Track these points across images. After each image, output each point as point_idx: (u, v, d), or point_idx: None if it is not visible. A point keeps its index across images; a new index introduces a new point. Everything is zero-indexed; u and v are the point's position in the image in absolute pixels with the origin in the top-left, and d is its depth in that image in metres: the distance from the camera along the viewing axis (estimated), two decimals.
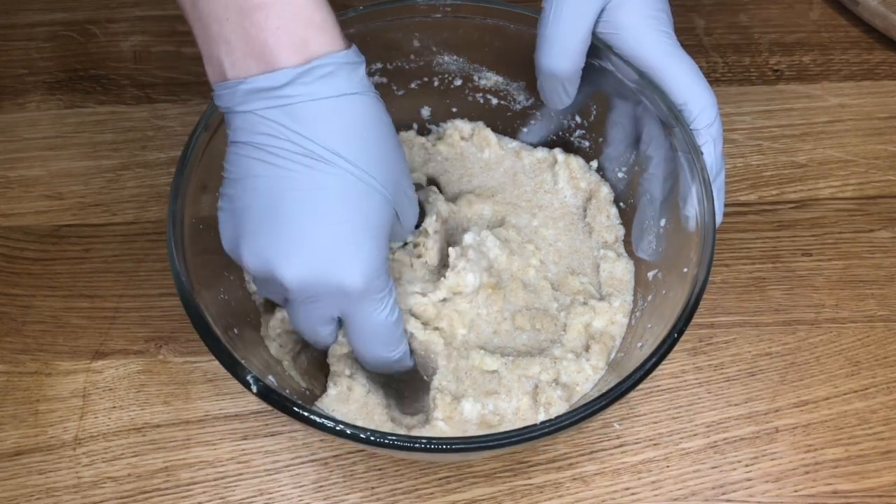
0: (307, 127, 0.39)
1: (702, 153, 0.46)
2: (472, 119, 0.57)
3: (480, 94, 0.57)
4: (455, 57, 0.55)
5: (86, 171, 0.62)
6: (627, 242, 0.53)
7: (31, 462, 0.50)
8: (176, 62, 0.68)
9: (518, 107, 0.56)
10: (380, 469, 0.50)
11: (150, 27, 0.70)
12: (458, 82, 0.56)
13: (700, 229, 0.44)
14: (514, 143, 0.57)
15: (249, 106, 0.40)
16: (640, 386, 0.52)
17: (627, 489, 0.49)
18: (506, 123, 0.57)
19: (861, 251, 0.58)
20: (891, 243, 0.59)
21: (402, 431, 0.45)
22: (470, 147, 0.57)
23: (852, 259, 0.58)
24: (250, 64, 0.39)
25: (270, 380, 0.43)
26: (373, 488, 0.49)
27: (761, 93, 0.66)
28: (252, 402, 0.52)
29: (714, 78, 0.67)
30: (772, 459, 0.50)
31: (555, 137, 0.56)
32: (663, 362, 0.53)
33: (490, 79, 0.56)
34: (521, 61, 0.52)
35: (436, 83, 0.56)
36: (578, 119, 0.54)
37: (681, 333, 0.42)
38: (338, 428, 0.38)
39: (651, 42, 0.48)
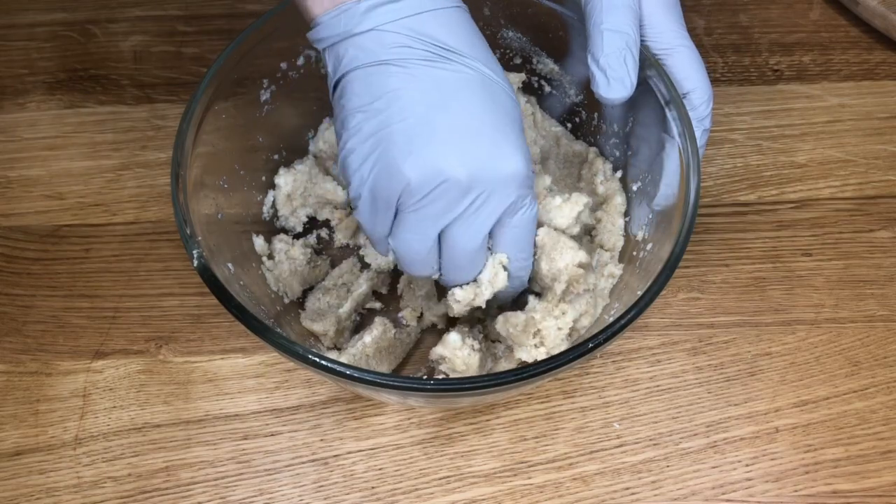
0: (433, 32, 0.40)
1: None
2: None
3: (536, 78, 0.57)
4: (519, 35, 0.55)
5: (86, 171, 0.62)
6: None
7: (31, 462, 0.50)
8: (176, 62, 0.68)
9: (568, 101, 0.57)
10: (380, 469, 0.50)
11: (150, 27, 0.70)
12: (518, 61, 0.56)
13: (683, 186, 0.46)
14: (558, 129, 0.57)
15: (372, 22, 0.40)
16: (640, 386, 0.53)
17: (627, 489, 0.49)
18: (553, 114, 0.58)
19: (861, 251, 0.58)
20: (891, 243, 0.59)
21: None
22: None
23: (852, 259, 0.58)
24: None
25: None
26: (373, 488, 0.49)
27: (761, 93, 0.66)
28: (252, 402, 0.52)
29: (714, 78, 0.67)
30: (772, 459, 0.50)
31: (591, 140, 0.56)
32: (663, 362, 0.54)
33: (547, 65, 0.56)
34: (580, 57, 0.52)
35: (496, 56, 0.56)
36: (615, 127, 0.54)
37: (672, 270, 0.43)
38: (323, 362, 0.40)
39: (665, 29, 0.48)
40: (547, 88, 0.57)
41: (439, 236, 0.43)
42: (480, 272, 0.46)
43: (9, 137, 0.64)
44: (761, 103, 0.66)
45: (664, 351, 0.54)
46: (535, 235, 0.47)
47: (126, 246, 0.58)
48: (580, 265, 0.48)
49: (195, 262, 0.43)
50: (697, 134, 0.48)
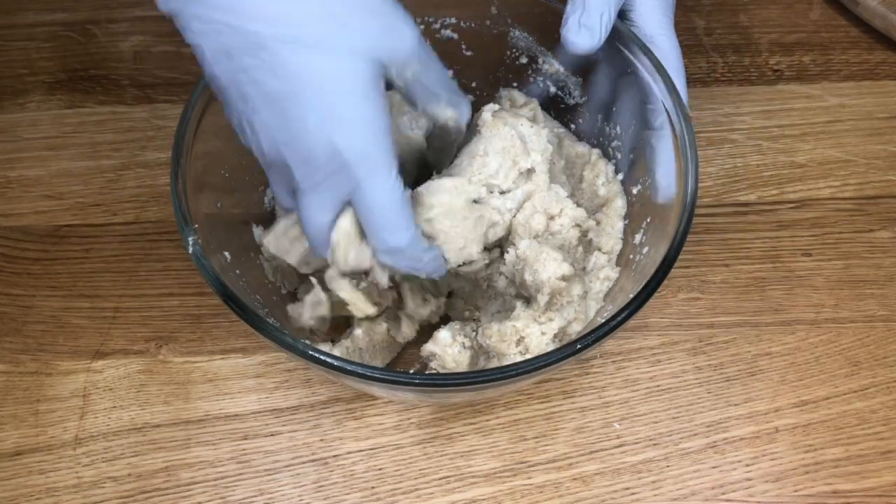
0: (247, 12, 0.37)
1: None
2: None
3: (541, 78, 0.57)
4: (526, 35, 0.55)
5: (86, 171, 0.62)
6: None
7: (31, 462, 0.50)
8: (176, 62, 0.68)
9: (572, 101, 0.57)
10: (380, 469, 0.50)
11: (150, 27, 0.70)
12: (524, 60, 0.56)
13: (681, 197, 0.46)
14: (561, 130, 0.57)
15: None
16: (640, 386, 0.53)
17: (627, 489, 0.49)
18: (557, 115, 0.58)
19: (861, 251, 0.58)
20: (891, 243, 0.59)
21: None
22: None
23: (852, 259, 0.58)
24: None
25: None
26: (373, 488, 0.49)
27: (761, 93, 0.66)
28: (252, 402, 0.52)
29: (714, 78, 0.67)
30: (772, 459, 0.50)
31: (593, 142, 0.56)
32: (664, 362, 0.54)
33: (553, 65, 0.56)
34: (584, 58, 0.52)
35: (505, 55, 0.56)
36: (618, 129, 0.54)
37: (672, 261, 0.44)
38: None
39: (650, 19, 0.49)
40: (552, 89, 0.57)
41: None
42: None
43: (9, 137, 0.64)
44: (761, 103, 0.66)
45: (664, 351, 0.54)
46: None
47: (126, 246, 0.58)
48: (563, 277, 0.47)
49: (190, 249, 0.43)
50: None
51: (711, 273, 0.57)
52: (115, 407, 0.52)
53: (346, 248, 0.42)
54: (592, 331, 0.42)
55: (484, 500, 0.49)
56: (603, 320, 0.42)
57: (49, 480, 0.50)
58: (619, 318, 0.42)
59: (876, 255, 0.58)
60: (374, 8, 0.40)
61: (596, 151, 0.56)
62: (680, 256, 0.44)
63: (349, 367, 0.40)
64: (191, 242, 0.44)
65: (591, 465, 0.50)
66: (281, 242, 0.47)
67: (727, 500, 0.49)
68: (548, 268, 0.47)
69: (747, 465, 0.50)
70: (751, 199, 0.61)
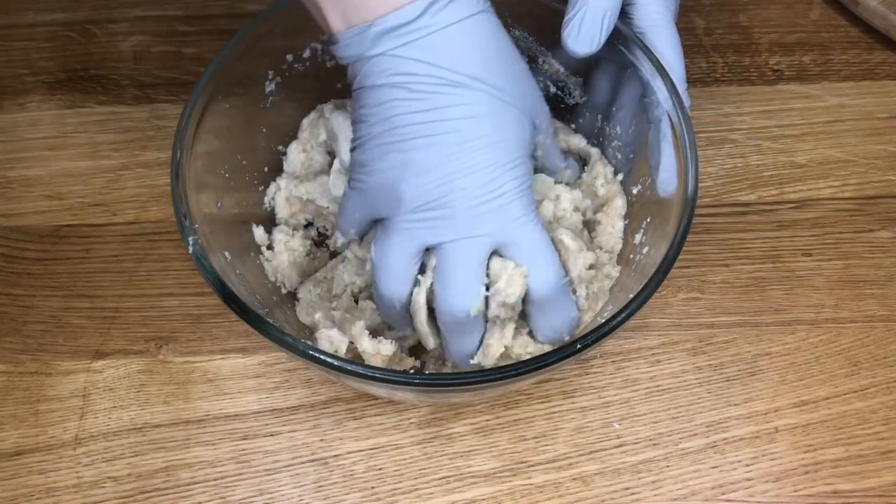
0: (443, 56, 0.40)
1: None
2: None
3: (541, 78, 0.56)
4: (526, 34, 0.55)
5: (86, 171, 0.62)
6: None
7: (31, 462, 0.50)
8: (176, 62, 0.68)
9: (572, 101, 0.56)
10: (380, 469, 0.50)
11: (150, 27, 0.70)
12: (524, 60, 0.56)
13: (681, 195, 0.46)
14: (558, 124, 0.57)
15: (382, 48, 0.40)
16: (640, 386, 0.53)
17: (627, 489, 0.49)
18: (557, 115, 0.57)
19: (861, 251, 0.58)
20: (891, 243, 0.59)
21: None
22: None
23: (852, 259, 0.58)
24: (379, 4, 0.40)
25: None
26: (373, 488, 0.49)
27: (761, 93, 0.66)
28: (252, 402, 0.52)
29: (714, 78, 0.67)
30: (772, 459, 0.50)
31: (593, 142, 0.56)
32: (664, 362, 0.54)
33: (553, 65, 0.56)
34: (586, 59, 0.51)
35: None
36: (618, 129, 0.54)
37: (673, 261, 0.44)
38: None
39: (648, 9, 0.49)
40: (552, 89, 0.57)
41: (430, 292, 0.45)
42: (482, 335, 0.46)
43: (9, 137, 0.64)
44: (761, 103, 0.66)
45: (664, 351, 0.54)
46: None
47: (126, 246, 0.58)
48: (590, 267, 0.48)
49: (190, 248, 0.43)
50: None
51: (711, 273, 0.57)
52: (115, 407, 0.52)
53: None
54: (592, 331, 0.42)
55: (484, 500, 0.49)
56: (603, 320, 0.42)
57: (49, 480, 0.50)
58: (618, 319, 0.42)
59: (876, 255, 0.58)
60: (532, 83, 0.45)
61: (595, 150, 0.56)
62: (680, 256, 0.44)
63: (349, 367, 0.40)
64: (191, 242, 0.44)
65: (591, 465, 0.50)
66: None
67: (727, 500, 0.49)
68: (577, 263, 0.48)
69: (747, 465, 0.50)
70: (751, 199, 0.61)
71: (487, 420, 0.52)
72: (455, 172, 0.41)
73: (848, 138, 0.64)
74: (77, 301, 0.56)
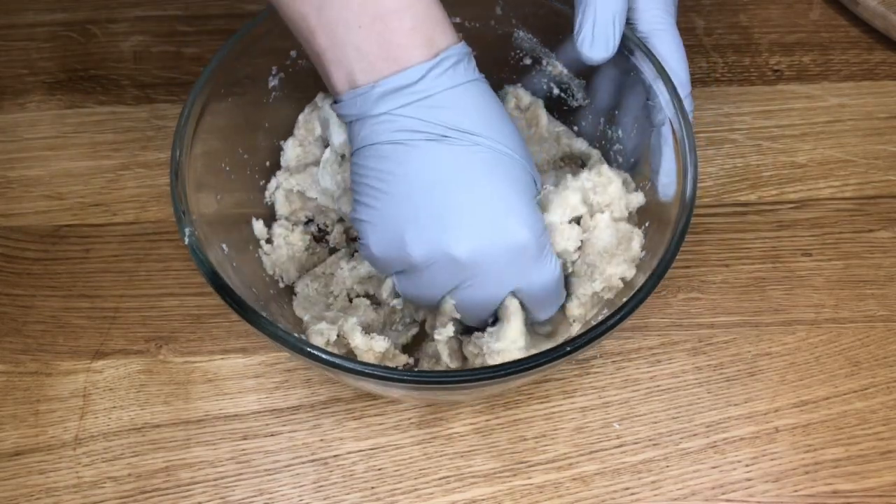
0: (444, 114, 0.41)
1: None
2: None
3: (545, 80, 0.57)
4: (531, 35, 0.55)
5: (86, 171, 0.62)
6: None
7: (31, 462, 0.50)
8: (176, 62, 0.68)
9: (575, 104, 0.56)
10: (380, 469, 0.50)
11: (150, 27, 0.70)
12: (528, 61, 0.56)
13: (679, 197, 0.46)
14: (560, 128, 0.57)
15: (385, 107, 0.41)
16: (640, 386, 0.53)
17: (627, 489, 0.49)
18: (560, 117, 0.58)
19: (861, 251, 0.58)
20: (891, 243, 0.59)
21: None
22: (519, 120, 0.57)
23: (852, 259, 0.58)
24: (382, 66, 0.41)
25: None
26: (373, 488, 0.49)
27: (761, 93, 0.66)
28: (252, 402, 0.52)
29: (714, 78, 0.67)
30: (772, 459, 0.50)
31: (595, 145, 0.56)
32: (664, 362, 0.54)
33: (556, 67, 0.56)
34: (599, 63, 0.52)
35: (509, 56, 0.56)
36: (620, 133, 0.54)
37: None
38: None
39: (650, 14, 0.49)
40: (556, 91, 0.57)
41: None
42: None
43: (9, 137, 0.64)
44: (761, 103, 0.66)
45: (664, 351, 0.54)
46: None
47: (126, 246, 0.58)
48: (623, 279, 0.48)
49: (186, 240, 0.44)
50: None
51: (711, 273, 0.57)
52: (115, 407, 0.52)
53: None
54: (587, 331, 0.41)
55: (484, 500, 0.49)
56: (596, 322, 0.42)
57: (49, 480, 0.50)
58: (614, 320, 0.42)
59: (876, 255, 0.58)
60: (527, 149, 0.45)
61: (596, 152, 0.56)
62: (680, 256, 0.44)
63: (338, 361, 0.40)
64: (187, 233, 0.44)
65: (591, 465, 0.50)
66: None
67: (727, 500, 0.49)
68: (618, 268, 0.48)
69: (747, 465, 0.50)
70: (751, 199, 0.61)
71: (487, 420, 0.52)
72: (455, 224, 0.42)
73: (848, 138, 0.64)
74: (77, 301, 0.56)
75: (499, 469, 0.50)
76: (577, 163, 0.56)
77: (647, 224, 0.50)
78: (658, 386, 0.53)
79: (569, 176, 0.50)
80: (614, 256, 0.48)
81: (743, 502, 0.49)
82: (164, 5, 0.71)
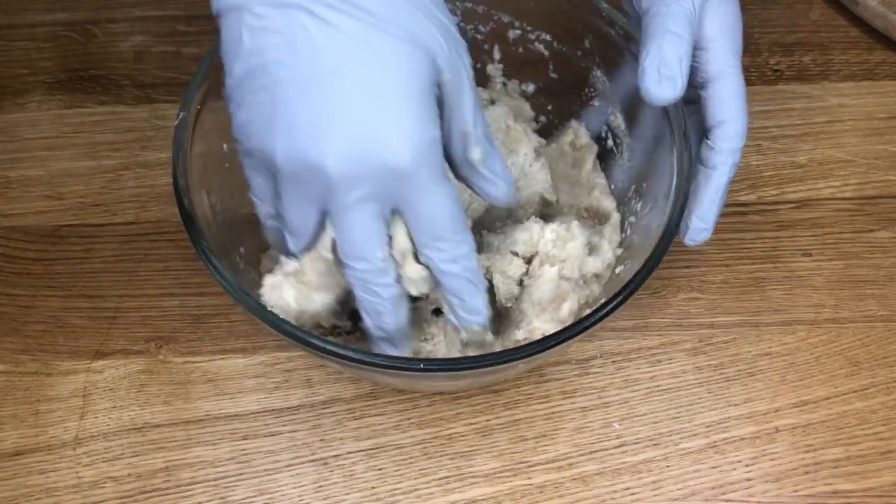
0: None
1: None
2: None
3: (605, 128, 0.55)
4: (605, 79, 0.54)
5: (86, 171, 0.62)
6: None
7: (31, 462, 0.50)
8: (176, 62, 0.68)
9: (622, 163, 0.55)
10: (380, 469, 0.50)
11: (150, 27, 0.70)
12: (596, 103, 0.56)
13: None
14: (601, 180, 0.56)
15: None
16: (640, 386, 0.53)
17: (627, 489, 0.49)
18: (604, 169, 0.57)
19: (861, 251, 0.58)
20: (891, 243, 0.59)
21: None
22: (567, 157, 0.56)
23: (852, 259, 0.58)
24: None
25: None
26: (373, 488, 0.49)
27: (761, 93, 0.66)
28: (252, 402, 0.52)
29: None
30: (772, 459, 0.50)
31: (620, 209, 0.55)
32: (664, 362, 0.54)
33: (617, 118, 0.54)
34: (649, 123, 0.51)
35: (582, 91, 0.56)
36: (639, 207, 0.53)
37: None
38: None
39: (718, 55, 0.46)
40: (609, 143, 0.56)
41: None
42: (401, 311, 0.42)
43: (9, 137, 0.64)
44: (761, 103, 0.66)
45: (664, 351, 0.54)
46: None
47: (126, 246, 0.58)
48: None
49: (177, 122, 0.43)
50: (726, 167, 0.47)
51: (711, 273, 0.57)
52: (115, 407, 0.52)
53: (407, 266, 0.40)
54: (571, 325, 0.42)
55: (484, 500, 0.49)
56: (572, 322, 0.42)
57: (49, 480, 0.50)
58: (574, 330, 0.42)
59: (876, 255, 0.58)
60: (434, 7, 0.37)
61: (616, 216, 0.54)
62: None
63: (328, 347, 0.40)
64: (180, 117, 0.43)
65: (591, 466, 0.50)
66: (299, 291, 0.43)
67: (727, 500, 0.49)
68: (544, 325, 0.47)
69: (747, 465, 0.50)
70: (751, 199, 0.61)
71: (487, 420, 0.52)
72: (327, 131, 0.35)
73: (848, 138, 0.64)
74: (77, 301, 0.56)
75: (499, 469, 0.50)
76: (599, 220, 0.55)
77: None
78: (658, 386, 0.53)
79: (537, 222, 0.49)
80: (544, 311, 0.47)
81: (743, 502, 0.49)
82: (164, 5, 0.71)
